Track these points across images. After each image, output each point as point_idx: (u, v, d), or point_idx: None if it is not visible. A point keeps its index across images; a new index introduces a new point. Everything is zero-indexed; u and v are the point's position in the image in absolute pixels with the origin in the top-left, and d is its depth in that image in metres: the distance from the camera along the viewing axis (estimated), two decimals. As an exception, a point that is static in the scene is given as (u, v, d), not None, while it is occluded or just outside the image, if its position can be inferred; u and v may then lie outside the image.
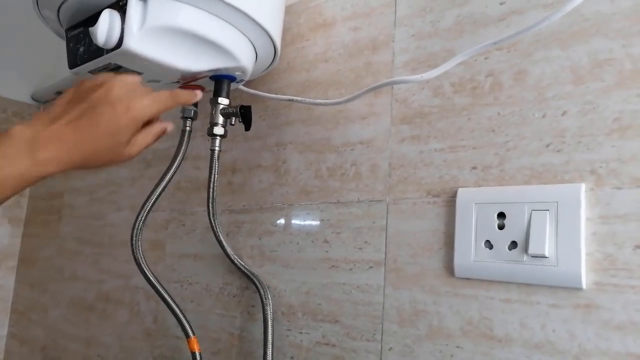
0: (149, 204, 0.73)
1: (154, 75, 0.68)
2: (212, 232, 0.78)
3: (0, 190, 0.47)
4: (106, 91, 0.51)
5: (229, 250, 0.77)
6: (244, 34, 0.67)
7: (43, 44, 1.47)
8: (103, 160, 0.53)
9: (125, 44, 0.59)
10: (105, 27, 0.59)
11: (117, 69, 0.65)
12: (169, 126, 0.58)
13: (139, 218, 0.73)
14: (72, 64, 0.67)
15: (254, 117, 0.74)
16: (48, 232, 1.34)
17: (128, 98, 0.52)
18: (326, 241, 0.69)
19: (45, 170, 0.49)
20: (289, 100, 0.73)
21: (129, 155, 0.54)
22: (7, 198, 0.49)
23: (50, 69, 1.46)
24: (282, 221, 0.75)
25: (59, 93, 1.41)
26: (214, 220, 0.76)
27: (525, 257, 0.51)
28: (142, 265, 0.75)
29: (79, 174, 1.24)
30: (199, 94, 0.62)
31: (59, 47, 1.44)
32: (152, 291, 0.93)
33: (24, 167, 0.48)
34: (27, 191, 1.47)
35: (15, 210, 1.45)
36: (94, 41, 0.60)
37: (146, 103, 0.53)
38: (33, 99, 1.49)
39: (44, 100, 1.49)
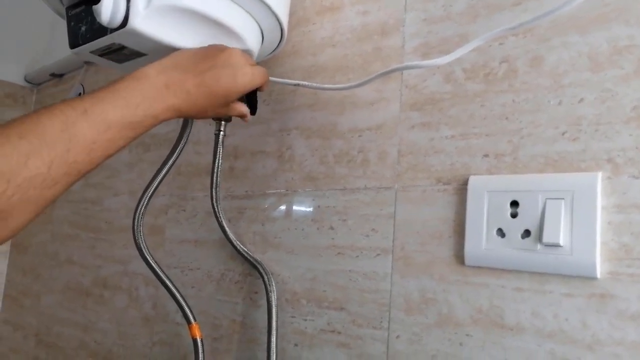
0: (152, 189, 0.72)
1: (158, 56, 0.65)
2: (213, 217, 0.77)
3: (140, 128, 0.51)
4: (228, 55, 0.58)
5: (231, 236, 0.76)
6: (251, 15, 0.66)
7: (36, 25, 1.44)
8: (206, 115, 0.60)
9: (130, 23, 0.57)
10: (110, 6, 0.57)
11: (120, 49, 0.63)
12: (248, 115, 0.67)
13: (141, 203, 0.72)
14: (73, 44, 0.65)
15: (258, 101, 0.73)
16: (42, 216, 1.32)
17: (245, 66, 0.59)
18: (332, 228, 0.68)
19: (170, 114, 0.54)
20: (296, 84, 0.72)
21: (222, 114, 0.63)
22: (137, 137, 0.52)
23: (43, 51, 1.43)
24: (286, 207, 0.74)
25: (53, 75, 1.38)
26: (217, 206, 0.75)
27: (538, 246, 0.50)
28: (144, 250, 0.74)
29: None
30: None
31: (53, 28, 1.41)
32: (151, 277, 0.92)
33: (159, 110, 0.52)
34: (19, 175, 1.44)
35: (7, 194, 1.42)
36: (98, 20, 0.58)
37: (257, 73, 0.61)
38: (26, 80, 1.46)
39: (37, 82, 1.46)
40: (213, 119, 0.70)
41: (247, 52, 0.68)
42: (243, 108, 0.65)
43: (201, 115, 0.60)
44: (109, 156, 0.50)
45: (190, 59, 0.57)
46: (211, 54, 0.58)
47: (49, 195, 0.45)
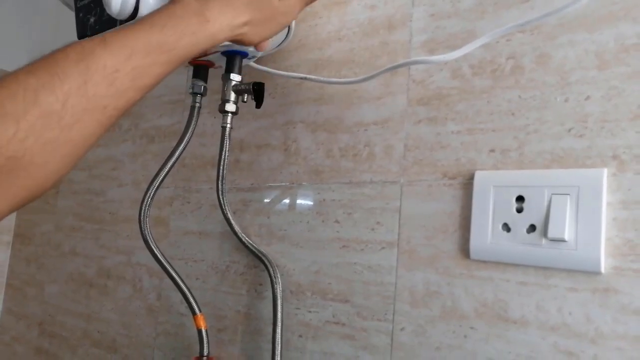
0: (158, 180, 0.72)
1: (166, 48, 0.66)
2: (218, 209, 0.78)
3: (176, 51, 0.46)
4: None
5: (236, 228, 0.77)
6: (259, 9, 0.66)
7: (41, 15, 1.44)
8: (277, 20, 0.55)
9: (140, 14, 0.57)
10: (120, -3, 0.57)
11: (129, 41, 0.63)
12: None
13: (148, 194, 0.72)
14: (82, 35, 0.65)
15: (264, 94, 0.73)
16: (45, 207, 1.33)
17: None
18: (337, 221, 0.69)
19: (217, 32, 0.49)
20: (302, 78, 0.72)
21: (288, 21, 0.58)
22: (179, 63, 0.47)
23: (48, 41, 1.43)
24: (291, 200, 0.75)
25: (56, 65, 1.38)
26: (223, 198, 0.75)
27: (543, 241, 0.51)
28: (150, 242, 0.74)
29: (78, 149, 1.22)
30: None
31: (57, 19, 1.41)
32: (155, 268, 0.93)
33: (196, 24, 0.47)
34: (22, 165, 1.45)
35: (10, 184, 1.42)
36: (107, 11, 0.58)
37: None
38: (29, 71, 1.45)
39: (40, 73, 1.46)
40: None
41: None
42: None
43: (269, 22, 0.54)
44: (145, 88, 0.44)
45: None
46: None
47: (75, 137, 0.40)
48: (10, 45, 1.44)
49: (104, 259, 1.08)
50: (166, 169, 0.72)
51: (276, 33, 0.57)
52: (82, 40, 0.42)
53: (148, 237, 0.74)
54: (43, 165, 0.39)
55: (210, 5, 0.49)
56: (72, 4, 0.67)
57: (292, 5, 0.57)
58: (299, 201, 0.74)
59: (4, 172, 0.37)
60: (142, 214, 0.73)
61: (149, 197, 0.73)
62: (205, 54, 0.50)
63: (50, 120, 0.38)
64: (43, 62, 0.40)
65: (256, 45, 0.58)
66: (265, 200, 0.78)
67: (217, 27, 0.49)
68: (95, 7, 0.63)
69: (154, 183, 0.72)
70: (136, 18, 0.57)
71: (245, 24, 0.52)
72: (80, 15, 0.65)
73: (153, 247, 0.75)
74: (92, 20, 0.63)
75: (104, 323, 1.05)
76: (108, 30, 0.45)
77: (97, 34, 0.63)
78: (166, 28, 0.45)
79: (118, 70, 0.42)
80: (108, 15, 0.59)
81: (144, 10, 0.57)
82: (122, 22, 0.59)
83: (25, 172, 0.38)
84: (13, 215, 1.44)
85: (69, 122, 0.39)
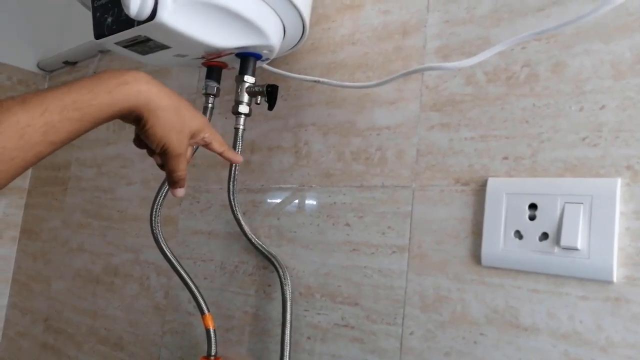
0: (170, 180, 0.72)
1: (182, 49, 0.67)
2: (228, 209, 0.78)
3: (89, 110, 0.47)
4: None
5: (246, 229, 0.77)
6: (274, 10, 0.66)
7: (50, 13, 1.45)
8: (173, 124, 0.53)
9: (159, 16, 0.57)
10: (139, -1, 0.58)
11: (146, 41, 0.64)
12: (183, 177, 0.59)
13: (160, 194, 0.73)
14: (99, 35, 0.66)
15: (277, 97, 0.73)
16: (53, 203, 1.33)
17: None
18: (348, 224, 0.69)
19: (133, 97, 0.49)
20: (315, 81, 0.72)
21: (175, 147, 0.55)
22: (93, 124, 0.48)
23: (57, 38, 1.44)
24: (302, 202, 0.75)
25: (66, 62, 1.39)
26: (233, 199, 0.76)
27: (556, 249, 0.51)
28: (160, 240, 0.75)
29: (87, 144, 1.23)
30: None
31: (67, 17, 1.42)
32: (163, 266, 0.93)
33: (115, 86, 0.48)
34: (30, 161, 1.45)
35: (17, 180, 1.43)
36: (126, 12, 0.58)
37: (218, 136, 0.61)
38: (39, 67, 1.46)
39: (50, 69, 1.47)
40: (160, 155, 0.58)
41: (267, 47, 0.69)
42: (186, 174, 0.59)
43: (164, 125, 0.52)
44: (57, 142, 0.46)
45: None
46: None
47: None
48: (18, 42, 1.45)
49: (112, 256, 1.09)
50: (178, 169, 0.72)
51: (170, 145, 0.55)
52: (6, 99, 0.44)
53: (158, 236, 0.75)
54: None
55: (134, 73, 0.50)
56: (89, 3, 0.67)
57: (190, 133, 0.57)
58: (309, 203, 0.74)
59: None
60: (154, 213, 0.74)
61: (160, 196, 0.73)
62: (126, 116, 0.51)
63: None
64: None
65: (156, 147, 0.55)
66: (276, 202, 0.79)
67: (134, 90, 0.49)
68: (113, 7, 0.63)
69: (166, 182, 0.73)
70: (154, 20, 0.58)
71: (160, 109, 0.52)
72: (98, 14, 0.66)
73: (163, 246, 0.75)
74: (109, 20, 0.64)
75: (111, 320, 1.05)
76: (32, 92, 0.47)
77: (114, 33, 0.63)
78: (84, 88, 0.47)
79: (30, 125, 0.44)
80: (126, 15, 0.60)
81: (162, 12, 0.57)
82: (140, 23, 0.60)
83: None
84: (20, 211, 1.45)
85: None
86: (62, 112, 0.45)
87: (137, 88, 0.50)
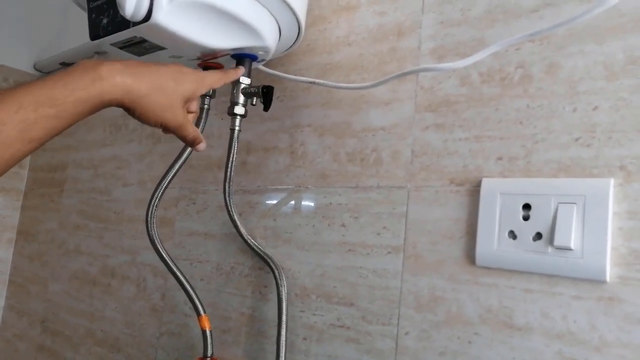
0: (166, 181, 0.73)
1: (177, 51, 0.67)
2: (224, 211, 0.78)
3: (65, 107, 0.46)
4: (174, 64, 0.57)
5: (242, 230, 0.77)
6: (269, 12, 0.67)
7: (47, 14, 1.45)
8: (158, 105, 0.53)
9: (154, 17, 0.58)
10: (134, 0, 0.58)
11: (141, 42, 0.64)
12: (199, 141, 0.62)
13: (156, 195, 0.73)
14: (94, 36, 0.66)
15: (273, 98, 0.74)
16: (49, 205, 1.33)
17: (189, 71, 0.58)
18: (343, 225, 0.69)
19: (108, 90, 0.49)
20: (311, 82, 0.73)
21: (176, 120, 0.56)
22: (69, 121, 0.48)
23: (53, 39, 1.44)
24: (297, 203, 0.75)
25: (62, 64, 1.39)
26: (229, 200, 0.76)
27: (549, 249, 0.51)
28: (156, 242, 0.75)
29: (83, 146, 1.23)
30: (240, 70, 0.68)
31: (63, 17, 1.42)
32: (160, 268, 0.93)
33: (89, 83, 0.47)
34: (27, 162, 1.45)
35: (14, 181, 1.43)
36: (121, 13, 0.58)
37: (208, 75, 0.61)
38: (35, 68, 1.46)
39: (46, 71, 1.47)
40: (164, 130, 0.59)
41: (263, 49, 0.69)
42: (197, 132, 0.60)
43: (154, 107, 0.53)
44: (35, 139, 0.45)
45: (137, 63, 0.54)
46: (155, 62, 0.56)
47: None
48: (15, 44, 1.45)
49: (108, 257, 1.09)
50: (174, 170, 0.73)
51: (167, 122, 0.56)
52: None
53: (154, 237, 0.75)
54: None
55: (108, 65, 0.49)
56: (85, 4, 0.67)
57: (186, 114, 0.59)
58: (305, 204, 0.75)
59: None
60: (150, 214, 0.74)
61: (156, 197, 0.73)
62: (101, 108, 0.50)
63: None
64: None
65: (155, 127, 0.57)
66: (272, 203, 0.79)
67: (109, 85, 0.49)
68: (108, 8, 0.63)
69: (162, 184, 0.73)
70: (150, 21, 0.58)
71: (141, 96, 0.52)
72: (93, 16, 0.66)
73: (159, 247, 0.75)
74: (105, 21, 0.64)
75: (108, 322, 1.05)
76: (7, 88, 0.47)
77: (109, 34, 0.64)
78: (58, 83, 0.46)
79: (5, 124, 0.43)
80: (121, 16, 0.60)
81: (157, 13, 0.58)
82: (135, 24, 0.60)
83: None
84: (16, 213, 1.45)
85: None
86: (37, 110, 0.45)
87: (112, 82, 0.49)
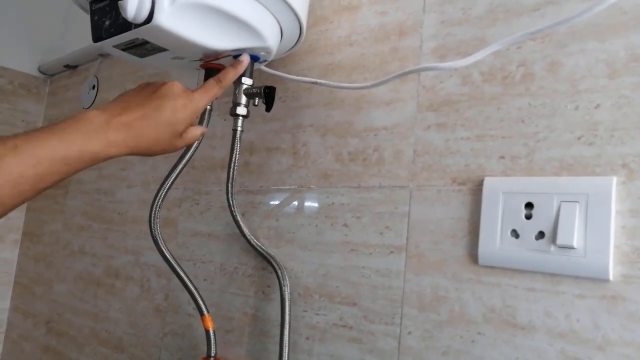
0: (169, 182, 0.73)
1: (179, 52, 0.67)
2: (227, 211, 0.78)
3: (76, 164, 0.52)
4: (169, 87, 0.59)
5: (245, 230, 0.77)
6: (271, 13, 0.67)
7: (50, 17, 1.45)
8: (160, 147, 0.60)
9: (155, 19, 0.58)
10: (135, 1, 0.58)
11: (143, 44, 0.64)
12: (205, 131, 0.67)
13: (159, 196, 0.73)
14: (97, 38, 0.66)
15: (275, 99, 0.74)
16: (54, 206, 1.34)
17: (186, 94, 0.60)
18: (346, 225, 0.69)
19: (114, 151, 0.55)
20: (313, 82, 0.73)
21: (180, 146, 0.63)
22: (77, 171, 0.53)
23: (57, 42, 1.44)
24: (300, 203, 0.75)
25: (67, 66, 1.39)
26: (232, 200, 0.76)
27: (552, 247, 0.51)
28: (160, 242, 0.75)
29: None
30: (244, 61, 0.68)
31: (67, 20, 1.42)
32: (163, 268, 0.94)
33: (98, 146, 0.53)
34: (32, 164, 1.46)
35: (19, 183, 1.44)
36: (123, 15, 0.59)
37: (198, 96, 0.61)
38: (40, 71, 1.47)
39: (51, 73, 1.48)
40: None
41: (265, 49, 0.69)
42: (198, 131, 0.65)
43: (156, 150, 0.60)
44: (40, 190, 0.50)
45: (132, 96, 0.59)
46: (152, 88, 0.59)
47: None
48: (19, 46, 1.45)
49: (112, 258, 1.09)
50: (177, 171, 0.73)
51: (173, 151, 0.63)
52: None
53: (158, 238, 0.75)
54: None
55: (115, 128, 0.55)
56: (87, 6, 0.68)
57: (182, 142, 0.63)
58: (307, 204, 0.75)
59: None
60: (153, 215, 0.74)
61: (159, 198, 0.73)
62: None
63: None
64: None
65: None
66: (274, 203, 0.79)
67: (116, 150, 0.55)
68: (111, 10, 0.63)
69: (165, 184, 0.73)
70: (151, 23, 0.58)
71: (145, 149, 0.58)
72: (95, 18, 0.66)
73: (162, 248, 0.75)
74: (107, 23, 0.64)
75: (112, 322, 1.06)
76: (24, 133, 0.50)
77: (111, 36, 0.64)
78: (72, 145, 0.51)
79: (22, 177, 0.47)
80: (123, 18, 0.60)
81: (159, 15, 0.58)
82: (137, 26, 0.60)
83: None
84: (22, 214, 1.46)
85: None
86: (52, 166, 0.50)
87: (119, 146, 0.55)
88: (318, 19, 0.79)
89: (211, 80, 0.64)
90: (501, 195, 0.55)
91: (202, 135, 0.66)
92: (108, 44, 0.66)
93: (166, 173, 0.74)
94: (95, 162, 0.54)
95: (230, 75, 0.65)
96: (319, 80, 0.72)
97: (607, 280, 0.48)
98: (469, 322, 0.56)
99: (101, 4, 0.65)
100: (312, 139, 0.76)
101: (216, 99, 0.65)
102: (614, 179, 0.49)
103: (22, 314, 1.38)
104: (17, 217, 1.45)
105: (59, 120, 0.53)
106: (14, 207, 0.49)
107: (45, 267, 1.32)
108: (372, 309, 0.65)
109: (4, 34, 1.41)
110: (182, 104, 0.59)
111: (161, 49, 0.66)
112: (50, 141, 0.50)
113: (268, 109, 0.72)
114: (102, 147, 0.53)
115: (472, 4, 0.62)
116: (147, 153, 0.59)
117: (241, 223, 0.77)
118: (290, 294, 0.72)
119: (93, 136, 0.53)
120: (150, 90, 0.59)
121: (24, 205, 1.46)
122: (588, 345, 0.49)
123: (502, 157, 0.57)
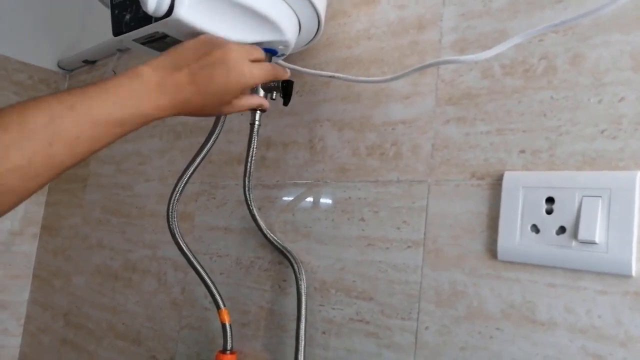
0: (187, 176, 0.73)
1: (198, 45, 0.67)
2: (244, 205, 0.79)
3: (129, 126, 0.51)
4: (225, 53, 0.56)
5: (262, 224, 0.78)
6: (290, 6, 0.67)
7: (70, 12, 1.47)
8: (206, 113, 0.59)
9: (175, 12, 0.58)
10: (156, -5, 0.58)
11: (163, 37, 0.64)
12: (265, 104, 0.67)
13: (177, 189, 0.74)
14: (117, 32, 0.66)
15: (292, 92, 0.74)
16: (73, 200, 1.35)
17: (242, 64, 0.57)
18: (363, 219, 0.69)
19: (162, 113, 0.54)
20: (330, 76, 0.72)
21: (225, 113, 0.62)
22: (127, 133, 0.53)
23: (76, 37, 1.46)
24: (317, 198, 0.75)
25: (85, 61, 1.41)
26: (249, 195, 0.76)
27: (573, 243, 0.50)
28: (177, 236, 0.76)
29: (106, 144, 1.25)
30: (288, 72, 0.67)
31: (86, 15, 1.44)
32: (180, 262, 0.94)
33: (150, 108, 0.52)
34: (51, 159, 1.48)
35: (39, 177, 1.46)
36: (143, 8, 0.59)
37: (255, 72, 0.59)
38: (59, 66, 1.49)
39: (70, 68, 1.49)
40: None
41: (283, 43, 0.69)
42: (253, 100, 0.64)
43: (201, 114, 0.59)
44: (94, 151, 0.50)
45: (186, 56, 0.56)
46: (207, 50, 0.56)
47: (31, 186, 0.45)
48: (39, 42, 1.47)
49: (130, 252, 1.10)
50: (195, 165, 0.73)
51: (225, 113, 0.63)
52: (51, 99, 0.46)
53: (175, 232, 0.76)
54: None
55: (165, 91, 0.54)
56: (108, 1, 0.68)
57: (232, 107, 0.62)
58: (324, 199, 0.75)
59: None
60: (170, 209, 0.75)
61: (177, 192, 0.74)
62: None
63: (16, 174, 0.43)
64: (16, 117, 0.44)
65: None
66: (291, 198, 0.79)
67: (164, 114, 0.55)
68: (131, 4, 0.64)
69: (183, 178, 0.74)
70: (171, 16, 0.58)
71: (189, 114, 0.58)
72: (116, 12, 0.67)
73: (180, 242, 0.76)
74: (127, 17, 0.65)
75: (129, 315, 1.07)
76: (78, 90, 0.49)
77: (132, 30, 0.64)
78: (126, 107, 0.50)
79: (79, 137, 0.47)
80: (144, 12, 0.60)
81: (179, 8, 0.58)
82: (157, 19, 0.60)
83: None
84: (41, 208, 1.48)
85: (31, 176, 0.44)
86: (107, 128, 0.49)
87: (169, 112, 0.55)
88: (336, 12, 0.78)
89: (269, 65, 0.62)
90: (521, 190, 0.55)
91: (260, 107, 0.66)
92: (128, 38, 0.66)
93: (183, 167, 0.75)
94: (144, 124, 0.53)
95: (280, 72, 0.64)
96: (336, 74, 0.72)
97: (629, 276, 0.48)
98: (488, 318, 0.56)
99: (121, -2, 0.66)
100: (329, 133, 0.76)
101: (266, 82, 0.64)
102: (638, 174, 0.48)
103: (40, 307, 1.40)
104: (36, 211, 1.47)
105: (113, 76, 0.52)
106: (71, 167, 0.48)
107: (63, 261, 1.34)
108: (389, 304, 0.64)
109: (24, 30, 1.43)
110: (235, 75, 0.57)
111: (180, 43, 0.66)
112: (106, 102, 0.49)
113: (285, 103, 0.72)
114: (153, 110, 0.53)
115: (492, -3, 0.61)
116: (192, 115, 0.59)
117: (257, 217, 0.77)
118: (307, 288, 0.72)
119: (145, 99, 0.52)
120: (205, 50, 0.56)
121: (43, 199, 1.48)
122: (610, 342, 0.48)
123: (522, 152, 0.56)
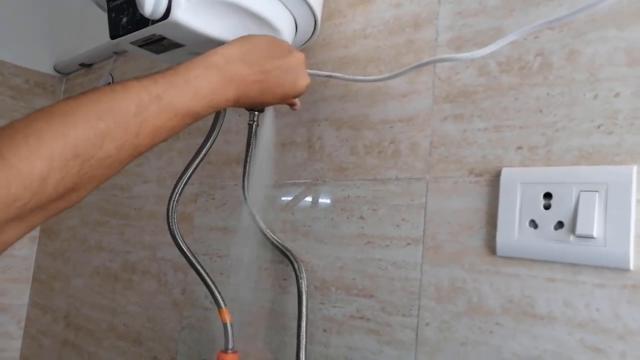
0: (186, 177, 0.74)
1: (195, 47, 0.67)
2: (244, 205, 0.79)
3: (200, 116, 0.52)
4: (296, 60, 0.60)
5: (261, 224, 0.78)
6: (286, 7, 0.67)
7: (66, 15, 1.47)
8: (255, 106, 0.62)
9: (172, 15, 0.58)
10: (153, -3, 0.58)
11: (160, 40, 0.64)
12: (298, 104, 0.69)
13: (176, 190, 0.74)
14: (114, 35, 0.67)
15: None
16: (71, 203, 1.35)
17: (303, 74, 0.61)
18: (362, 217, 0.70)
19: (227, 105, 0.55)
20: (327, 76, 0.73)
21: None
22: (195, 122, 0.52)
23: (73, 41, 1.46)
24: (316, 197, 0.76)
25: (82, 65, 1.41)
26: (248, 195, 0.76)
27: (571, 237, 0.51)
28: (177, 236, 0.76)
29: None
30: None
31: (82, 19, 1.44)
32: (180, 263, 0.94)
33: (221, 101, 0.53)
34: (48, 162, 1.48)
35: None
36: (140, 11, 0.59)
37: (308, 83, 0.63)
38: (56, 70, 1.49)
39: (66, 72, 1.49)
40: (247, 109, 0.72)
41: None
42: (297, 99, 0.67)
43: (252, 105, 0.61)
44: (165, 140, 0.50)
45: (258, 53, 0.57)
46: (279, 54, 0.58)
47: (113, 172, 0.46)
48: (35, 45, 1.47)
49: (129, 253, 1.10)
50: (194, 166, 0.74)
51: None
52: (138, 87, 0.46)
53: (175, 233, 0.76)
54: (84, 190, 0.44)
55: (235, 86, 0.54)
56: (104, 4, 0.68)
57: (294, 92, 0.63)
58: (323, 198, 0.75)
59: (58, 199, 0.41)
60: (170, 210, 0.75)
61: (177, 193, 0.74)
62: None
63: (105, 163, 0.43)
64: (109, 106, 0.44)
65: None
66: (290, 197, 0.79)
67: (227, 105, 0.55)
68: (128, 7, 0.64)
69: (182, 179, 0.74)
70: (168, 19, 0.58)
71: (247, 104, 0.59)
72: (113, 15, 0.67)
73: (180, 243, 0.76)
74: (124, 20, 0.65)
75: (129, 316, 1.07)
76: (162, 78, 0.48)
77: (129, 33, 0.64)
78: (203, 100, 0.51)
79: (161, 128, 0.48)
80: (140, 15, 0.60)
81: (176, 10, 0.58)
82: (154, 22, 0.60)
83: (75, 194, 0.43)
84: (39, 211, 1.47)
85: (116, 164, 0.45)
86: (185, 119, 0.50)
87: (235, 104, 0.56)
88: (332, 12, 0.79)
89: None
90: (519, 186, 0.55)
91: (294, 105, 0.69)
92: (125, 41, 0.67)
93: (181, 168, 0.75)
94: (210, 114, 0.54)
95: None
96: (333, 74, 0.72)
97: (627, 270, 0.48)
98: (487, 313, 0.56)
99: (118, 1, 0.66)
100: (327, 132, 0.76)
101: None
102: (634, 168, 0.49)
103: (40, 310, 1.40)
104: (35, 214, 1.47)
105: (190, 63, 0.52)
106: (139, 155, 0.49)
107: (63, 263, 1.34)
108: (389, 301, 0.65)
109: (20, 34, 1.43)
110: (302, 82, 0.61)
111: (177, 45, 0.66)
112: (187, 93, 0.49)
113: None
114: (223, 102, 0.54)
115: (488, -5, 0.62)
116: (242, 107, 0.60)
117: (257, 217, 0.78)
118: (307, 286, 0.73)
119: (219, 92, 0.53)
120: (277, 53, 0.58)
121: (42, 203, 1.48)
122: (608, 335, 0.48)
123: (519, 148, 0.57)
